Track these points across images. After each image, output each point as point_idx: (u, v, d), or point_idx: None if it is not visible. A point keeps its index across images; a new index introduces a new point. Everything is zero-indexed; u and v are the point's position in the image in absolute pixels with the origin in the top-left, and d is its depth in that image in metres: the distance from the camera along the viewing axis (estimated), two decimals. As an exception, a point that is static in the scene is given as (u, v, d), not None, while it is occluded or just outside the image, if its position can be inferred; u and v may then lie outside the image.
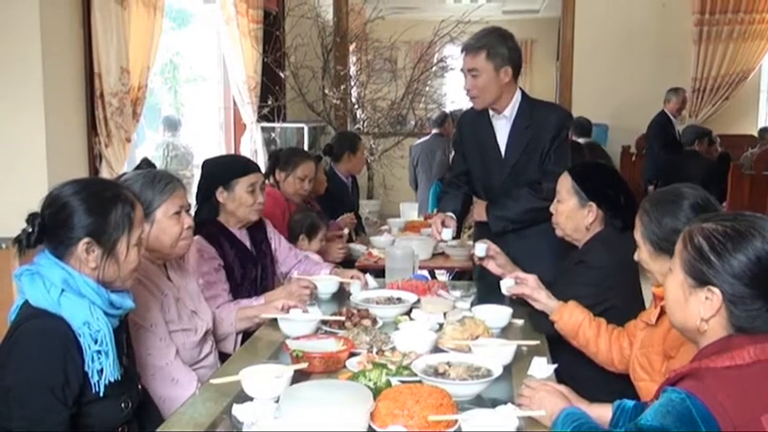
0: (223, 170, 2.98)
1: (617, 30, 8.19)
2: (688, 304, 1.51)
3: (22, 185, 3.50)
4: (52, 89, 3.67)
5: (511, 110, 3.11)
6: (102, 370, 1.76)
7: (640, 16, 8.20)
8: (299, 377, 2.00)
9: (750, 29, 8.11)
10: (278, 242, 3.26)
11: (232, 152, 6.43)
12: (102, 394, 1.78)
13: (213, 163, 3.09)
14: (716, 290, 1.45)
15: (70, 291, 1.77)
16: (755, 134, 8.53)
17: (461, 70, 3.12)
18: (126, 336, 2.01)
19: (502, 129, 3.14)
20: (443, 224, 3.08)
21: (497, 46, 3.02)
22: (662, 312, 2.04)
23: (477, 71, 3.02)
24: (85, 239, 1.80)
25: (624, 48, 8.18)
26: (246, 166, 3.03)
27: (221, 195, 2.93)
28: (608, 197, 2.57)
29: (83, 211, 1.80)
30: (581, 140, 6.32)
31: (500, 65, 3.02)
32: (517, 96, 3.12)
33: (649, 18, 8.21)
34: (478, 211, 3.25)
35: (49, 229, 1.81)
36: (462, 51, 3.09)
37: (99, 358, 1.75)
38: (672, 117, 7.47)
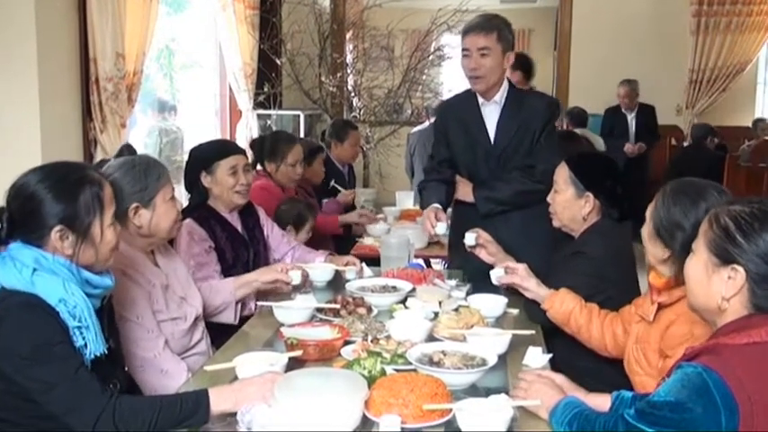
0: (204, 154, 2.99)
1: (614, 20, 8.16)
2: (711, 283, 1.53)
3: (17, 171, 3.45)
4: (47, 74, 3.64)
5: (501, 96, 3.12)
6: (86, 345, 1.72)
7: (638, 7, 8.17)
8: (293, 365, 2.01)
9: (748, 20, 8.10)
10: (270, 229, 3.25)
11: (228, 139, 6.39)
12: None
13: (197, 148, 3.09)
14: (740, 268, 1.48)
15: (42, 269, 1.72)
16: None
17: (463, 50, 3.07)
18: (110, 320, 1.97)
19: (491, 114, 3.14)
20: (437, 218, 3.01)
21: (505, 31, 3.06)
22: (659, 309, 2.04)
23: (489, 50, 3.00)
24: (58, 227, 1.75)
25: (621, 38, 8.15)
26: (226, 149, 3.02)
27: (205, 180, 2.93)
28: (605, 187, 2.57)
29: (51, 199, 1.75)
30: (577, 131, 6.32)
31: (506, 49, 3.05)
32: (505, 83, 3.14)
33: (647, 8, 8.19)
34: (464, 191, 3.16)
35: (19, 222, 1.76)
36: (469, 31, 3.04)
37: (80, 333, 1.71)
38: (622, 107, 7.45)
